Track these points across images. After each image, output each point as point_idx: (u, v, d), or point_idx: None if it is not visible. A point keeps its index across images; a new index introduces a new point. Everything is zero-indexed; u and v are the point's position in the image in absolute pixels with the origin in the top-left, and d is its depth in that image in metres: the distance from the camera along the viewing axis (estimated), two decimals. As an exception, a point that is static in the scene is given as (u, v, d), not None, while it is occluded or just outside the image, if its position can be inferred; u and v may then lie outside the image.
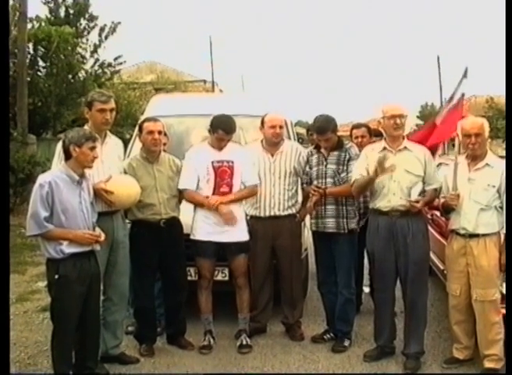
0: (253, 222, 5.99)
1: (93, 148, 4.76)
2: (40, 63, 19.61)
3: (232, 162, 5.75)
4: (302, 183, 6.10)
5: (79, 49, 20.50)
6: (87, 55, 21.21)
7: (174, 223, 5.70)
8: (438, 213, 6.55)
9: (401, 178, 5.32)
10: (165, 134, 6.21)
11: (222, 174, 5.73)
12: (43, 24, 20.31)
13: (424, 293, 5.51)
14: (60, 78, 19.13)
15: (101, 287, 5.18)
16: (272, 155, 6.07)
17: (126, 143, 6.95)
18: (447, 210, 5.35)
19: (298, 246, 6.25)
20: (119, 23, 22.08)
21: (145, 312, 5.78)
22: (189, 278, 6.01)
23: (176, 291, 5.80)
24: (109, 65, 22.05)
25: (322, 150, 5.89)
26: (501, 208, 5.10)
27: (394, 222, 5.36)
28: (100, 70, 21.67)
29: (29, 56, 18.31)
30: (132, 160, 5.77)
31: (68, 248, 4.65)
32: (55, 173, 4.79)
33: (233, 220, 5.65)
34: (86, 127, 5.26)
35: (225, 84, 41.90)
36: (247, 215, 5.96)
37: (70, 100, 19.40)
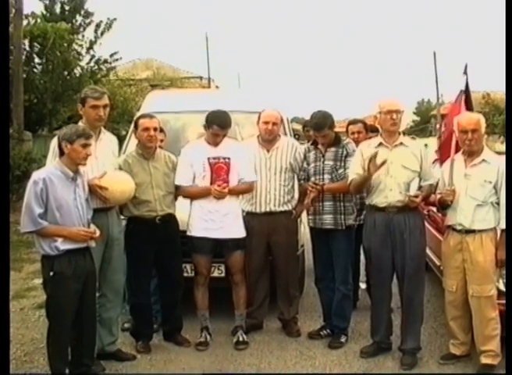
0: (248, 218, 5.98)
1: (85, 146, 4.73)
2: (36, 60, 19.59)
3: (229, 159, 5.74)
4: (299, 180, 6.10)
5: (75, 46, 20.44)
6: (83, 51, 21.15)
7: (170, 219, 5.69)
8: (434, 209, 6.57)
9: (398, 174, 5.32)
10: (162, 131, 6.22)
11: (219, 171, 5.72)
12: (38, 21, 20.27)
13: (421, 289, 5.51)
14: (56, 75, 19.10)
15: (97, 284, 5.17)
16: (268, 151, 6.06)
17: (122, 139, 6.96)
18: (443, 206, 5.35)
19: (294, 242, 6.26)
20: (115, 19, 22.05)
21: (141, 309, 5.77)
22: (185, 275, 6.00)
23: (172, 288, 5.80)
24: (105, 61, 21.99)
25: (320, 146, 5.88)
26: (497, 204, 5.09)
27: (391, 218, 5.36)
28: (96, 67, 21.62)
29: (24, 53, 18.26)
30: (127, 156, 5.75)
31: (63, 245, 4.64)
32: (50, 170, 4.77)
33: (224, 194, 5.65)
34: (80, 124, 5.24)
35: (221, 81, 41.93)
36: (243, 211, 5.96)
37: (66, 97, 19.37)
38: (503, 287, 5.14)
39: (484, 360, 5.15)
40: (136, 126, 5.73)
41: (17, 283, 8.42)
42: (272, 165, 6.04)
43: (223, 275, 6.19)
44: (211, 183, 5.69)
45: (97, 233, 4.85)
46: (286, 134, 6.92)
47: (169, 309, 5.89)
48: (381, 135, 5.49)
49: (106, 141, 5.45)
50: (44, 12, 21.95)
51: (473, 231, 5.11)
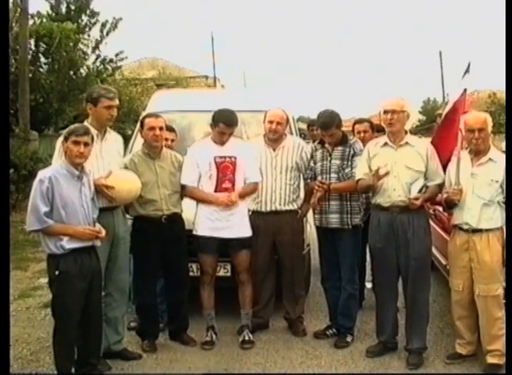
0: (254, 217, 5.98)
1: (77, 143, 4.69)
2: (42, 59, 19.64)
3: (235, 158, 5.74)
4: (306, 179, 6.09)
5: (80, 45, 20.49)
6: (89, 51, 21.23)
7: (176, 219, 5.69)
8: (440, 208, 6.55)
9: (401, 174, 5.32)
10: (174, 130, 6.23)
11: (225, 170, 5.72)
12: (44, 20, 20.31)
13: (426, 289, 5.49)
14: (62, 74, 19.15)
15: (102, 283, 5.17)
16: (274, 150, 6.06)
17: (127, 139, 6.96)
18: (450, 205, 5.33)
19: (300, 242, 6.25)
20: (121, 18, 22.14)
21: (147, 308, 5.77)
22: (191, 274, 6.00)
23: (178, 287, 5.79)
24: (111, 61, 22.06)
25: (327, 145, 5.88)
26: (504, 203, 5.08)
27: (395, 217, 5.35)
28: (101, 66, 21.68)
29: (30, 52, 18.32)
30: (133, 156, 5.76)
31: (68, 244, 4.64)
32: (56, 169, 4.78)
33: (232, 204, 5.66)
34: (85, 123, 5.24)
35: (226, 80, 42.00)
36: (248, 210, 5.95)
37: (72, 96, 19.43)
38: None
39: (490, 360, 5.14)
40: (142, 126, 5.73)
41: (23, 283, 8.44)
42: (277, 164, 6.03)
43: (229, 274, 6.18)
44: (217, 183, 5.69)
45: (103, 232, 4.85)
46: (292, 133, 6.91)
47: (175, 308, 5.89)
48: (387, 135, 5.49)
49: (112, 141, 5.45)
50: (50, 12, 22.02)
51: (480, 230, 5.09)
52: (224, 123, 5.69)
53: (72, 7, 22.14)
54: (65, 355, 4.79)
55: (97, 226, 4.87)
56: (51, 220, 4.59)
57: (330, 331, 6.04)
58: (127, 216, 5.62)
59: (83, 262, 4.73)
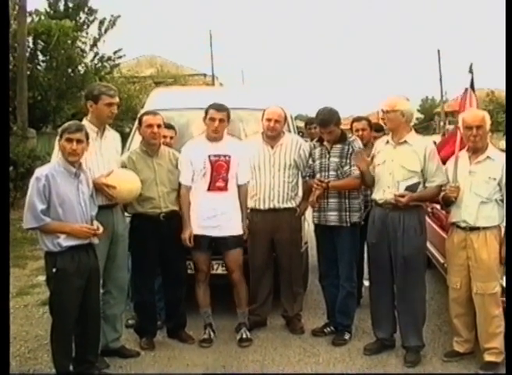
0: (252, 214, 5.99)
1: (69, 140, 4.69)
2: (40, 57, 19.64)
3: (229, 157, 5.75)
4: (304, 177, 6.10)
5: (78, 43, 20.48)
6: (87, 48, 21.21)
7: (174, 216, 5.68)
8: (438, 206, 6.55)
9: (396, 172, 5.35)
10: (173, 128, 6.23)
11: (219, 168, 5.72)
12: (42, 18, 20.29)
13: (419, 288, 5.46)
14: (60, 72, 19.14)
15: (101, 281, 5.17)
16: (272, 148, 6.06)
17: (125, 137, 6.95)
18: (447, 203, 5.34)
19: (298, 239, 6.25)
20: (119, 16, 22.11)
21: (145, 306, 5.78)
22: (189, 271, 6.00)
23: (176, 285, 5.80)
24: (109, 58, 22.04)
25: (325, 143, 5.88)
26: (502, 201, 5.09)
27: (387, 214, 5.38)
28: (100, 64, 21.66)
29: (28, 50, 18.32)
30: (131, 153, 5.76)
31: (65, 241, 4.64)
32: (53, 166, 4.78)
33: None
34: (84, 121, 5.24)
35: (225, 78, 41.98)
36: (247, 208, 5.96)
37: (70, 94, 19.41)
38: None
39: (487, 358, 5.14)
40: (140, 123, 5.73)
41: (21, 280, 8.44)
42: (275, 161, 6.04)
43: (225, 272, 6.17)
44: (211, 181, 5.70)
45: (101, 229, 4.86)
46: (290, 131, 6.92)
47: (173, 306, 5.89)
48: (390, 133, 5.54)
49: (110, 139, 5.45)
50: (48, 10, 21.97)
51: (477, 228, 5.10)
52: (213, 108, 5.71)
53: (71, 4, 22.07)
54: (63, 353, 4.79)
55: (95, 223, 4.87)
56: (48, 218, 4.59)
57: (328, 329, 6.05)
58: (125, 213, 5.62)
59: (80, 259, 4.73)
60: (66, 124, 4.83)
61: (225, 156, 5.74)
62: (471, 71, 5.74)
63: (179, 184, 5.75)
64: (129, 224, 5.62)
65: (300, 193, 6.17)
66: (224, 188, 5.74)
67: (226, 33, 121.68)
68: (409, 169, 5.31)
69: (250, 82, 45.88)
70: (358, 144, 5.88)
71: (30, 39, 18.75)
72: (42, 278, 7.25)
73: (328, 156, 5.84)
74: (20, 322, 6.58)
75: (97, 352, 5.10)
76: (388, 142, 5.50)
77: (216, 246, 5.81)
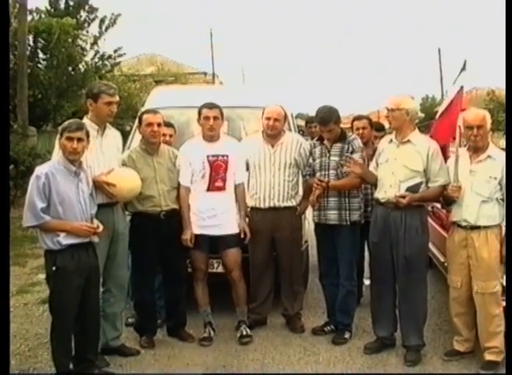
0: (252, 213, 6.00)
1: (70, 139, 4.68)
2: (41, 55, 19.61)
3: (227, 157, 5.77)
4: (304, 175, 6.09)
5: (79, 41, 20.44)
6: (88, 47, 21.15)
7: (174, 214, 5.68)
8: (439, 205, 6.54)
9: (398, 171, 5.34)
10: (172, 126, 6.23)
11: (217, 169, 5.74)
12: (43, 16, 20.28)
13: (421, 287, 5.46)
14: (60, 70, 19.12)
15: (101, 279, 5.17)
16: (273, 146, 6.06)
17: (126, 135, 6.95)
18: (448, 202, 5.34)
19: (298, 238, 6.25)
20: (119, 14, 22.06)
21: (145, 304, 5.78)
22: (189, 270, 6.01)
23: (176, 283, 5.80)
24: (109, 57, 21.99)
25: (325, 142, 5.88)
26: (502, 200, 5.08)
27: (389, 213, 5.38)
28: (100, 62, 21.62)
29: (29, 48, 18.29)
30: (131, 152, 5.76)
31: (65, 240, 4.64)
32: (53, 165, 4.77)
33: None
34: (85, 119, 5.24)
35: (225, 77, 41.90)
36: (247, 206, 5.96)
37: (70, 92, 19.40)
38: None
39: (488, 357, 5.14)
40: (140, 122, 5.73)
41: (21, 279, 8.45)
42: (276, 160, 6.03)
43: (222, 270, 6.17)
44: (210, 182, 5.73)
45: (101, 228, 4.85)
46: (290, 130, 6.91)
47: (173, 305, 5.89)
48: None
49: (111, 137, 5.44)
50: (49, 8, 21.95)
51: (478, 227, 5.09)
52: (205, 106, 5.74)
53: (71, 3, 22.04)
54: (62, 351, 4.79)
55: (95, 222, 4.87)
56: (47, 216, 4.59)
57: (328, 328, 6.05)
58: (126, 212, 5.62)
59: (80, 257, 4.72)
60: (67, 123, 4.82)
61: (223, 156, 5.75)
62: (464, 68, 5.72)
63: (179, 183, 5.76)
64: (129, 223, 5.61)
65: (301, 192, 6.17)
66: (223, 188, 5.76)
67: (227, 32, 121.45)
68: (411, 168, 5.30)
69: (251, 81, 45.82)
70: (358, 142, 5.87)
71: (31, 37, 18.73)
72: (42, 276, 7.25)
73: (328, 155, 5.83)
74: (20, 320, 6.59)
75: (96, 351, 5.10)
76: (391, 141, 5.49)
77: (215, 245, 5.81)
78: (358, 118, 6.95)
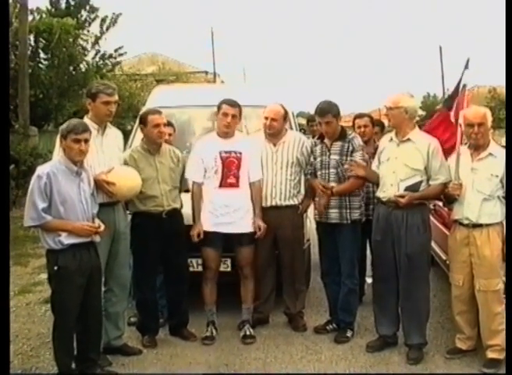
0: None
1: (77, 141, 4.67)
2: (42, 55, 19.63)
3: (240, 154, 5.77)
4: (306, 174, 6.09)
5: (80, 41, 20.45)
6: (89, 46, 21.16)
7: (175, 214, 5.69)
8: (440, 203, 6.54)
9: (399, 170, 5.34)
10: (172, 125, 6.23)
11: (230, 165, 5.74)
12: (44, 16, 20.28)
13: (423, 286, 5.45)
14: (61, 70, 19.13)
15: (103, 279, 5.17)
16: (275, 145, 6.06)
17: (127, 134, 6.95)
18: (450, 200, 5.33)
19: (300, 237, 6.25)
20: (120, 14, 22.06)
21: (147, 304, 5.78)
22: (191, 269, 6.02)
23: (178, 282, 5.80)
24: (110, 56, 22.00)
25: (326, 140, 5.87)
26: (504, 198, 5.07)
27: (390, 212, 5.38)
28: (101, 62, 21.63)
29: (30, 48, 18.30)
30: (133, 151, 5.75)
31: (67, 239, 4.64)
32: (54, 164, 4.77)
33: None
34: (85, 118, 5.24)
35: (226, 76, 41.89)
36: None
37: (72, 92, 19.41)
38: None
39: (490, 355, 5.14)
40: (144, 123, 5.69)
41: (23, 278, 8.45)
42: (278, 159, 6.03)
43: (229, 269, 6.18)
44: (222, 178, 5.74)
45: (102, 227, 4.85)
46: (291, 128, 6.91)
47: (175, 304, 5.89)
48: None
49: (112, 136, 5.44)
50: (50, 7, 21.96)
51: (480, 225, 5.09)
52: (226, 103, 5.74)
53: (72, 2, 22.04)
54: (65, 351, 4.79)
55: (97, 221, 4.87)
56: (49, 216, 4.59)
57: (330, 326, 6.05)
58: (127, 211, 5.62)
59: (82, 257, 4.72)
60: (71, 124, 4.77)
61: (236, 153, 5.75)
62: (467, 66, 5.71)
63: (180, 182, 5.78)
64: (130, 222, 5.61)
65: (303, 190, 6.16)
66: (235, 185, 5.76)
67: (228, 31, 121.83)
68: (412, 167, 5.30)
69: (252, 80, 45.77)
70: (358, 141, 5.86)
71: (32, 37, 18.74)
72: (44, 276, 7.25)
73: (328, 154, 5.83)
74: (22, 320, 6.59)
75: (99, 350, 5.11)
76: (392, 139, 5.49)
77: (227, 243, 5.81)
78: (359, 116, 6.95)
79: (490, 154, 5.14)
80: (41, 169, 4.67)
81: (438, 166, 5.31)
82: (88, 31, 21.51)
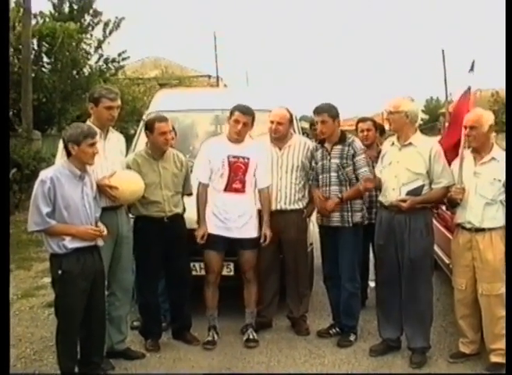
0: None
1: (92, 145, 4.73)
2: (45, 59, 19.68)
3: (248, 159, 5.75)
4: (309, 179, 6.08)
5: (83, 45, 20.52)
6: (92, 50, 21.24)
7: (177, 219, 5.70)
8: (443, 207, 6.53)
9: (401, 175, 5.34)
10: (173, 129, 6.24)
11: (237, 170, 5.73)
12: (47, 20, 20.34)
13: (426, 290, 5.45)
14: (65, 74, 19.18)
15: (106, 283, 5.17)
16: (280, 149, 6.07)
17: (130, 138, 6.96)
18: (453, 204, 5.33)
19: (304, 240, 6.24)
20: (123, 18, 22.16)
21: (150, 308, 5.78)
22: (194, 273, 6.02)
23: (180, 286, 5.80)
24: (113, 60, 22.07)
25: (326, 144, 5.87)
26: (506, 202, 5.07)
27: (393, 216, 5.37)
28: (104, 66, 21.70)
29: (33, 52, 18.36)
30: (137, 156, 5.75)
31: (71, 244, 4.64)
32: (57, 169, 4.77)
33: None
34: (88, 122, 5.24)
35: (229, 79, 41.93)
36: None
37: (75, 96, 19.46)
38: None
39: (493, 359, 5.13)
40: (150, 130, 5.66)
41: (26, 282, 8.45)
42: (283, 163, 6.04)
43: (232, 273, 6.18)
44: (228, 182, 5.73)
45: (105, 231, 4.86)
46: (295, 132, 6.91)
47: (178, 308, 5.89)
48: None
49: (114, 141, 5.45)
50: (53, 12, 22.03)
51: (482, 229, 5.08)
52: (239, 110, 5.71)
53: (75, 7, 22.13)
54: (68, 355, 4.79)
55: (100, 225, 4.88)
56: (53, 221, 4.59)
57: (333, 330, 6.04)
58: (129, 215, 5.62)
59: (85, 261, 4.73)
60: (85, 129, 4.78)
61: (243, 158, 5.75)
62: (472, 69, 5.71)
63: (183, 186, 5.78)
64: (132, 226, 5.61)
65: (308, 194, 6.16)
66: (241, 190, 5.75)
67: (230, 35, 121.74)
68: (414, 171, 5.30)
69: (255, 83, 45.81)
70: (359, 144, 5.86)
71: (35, 41, 18.80)
72: (47, 280, 7.27)
73: (328, 158, 5.82)
74: (26, 324, 6.59)
75: (102, 354, 5.11)
76: (393, 144, 5.49)
77: (230, 247, 5.81)
78: (363, 120, 6.96)
79: (493, 158, 5.14)
80: (45, 174, 4.67)
81: (440, 170, 5.31)
82: (91, 35, 21.61)
